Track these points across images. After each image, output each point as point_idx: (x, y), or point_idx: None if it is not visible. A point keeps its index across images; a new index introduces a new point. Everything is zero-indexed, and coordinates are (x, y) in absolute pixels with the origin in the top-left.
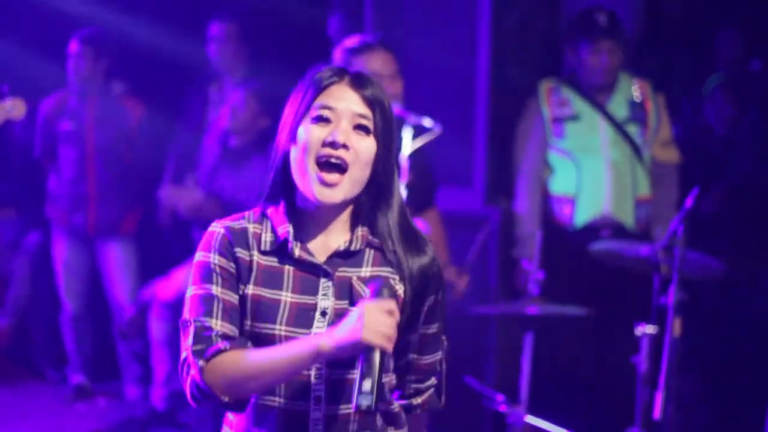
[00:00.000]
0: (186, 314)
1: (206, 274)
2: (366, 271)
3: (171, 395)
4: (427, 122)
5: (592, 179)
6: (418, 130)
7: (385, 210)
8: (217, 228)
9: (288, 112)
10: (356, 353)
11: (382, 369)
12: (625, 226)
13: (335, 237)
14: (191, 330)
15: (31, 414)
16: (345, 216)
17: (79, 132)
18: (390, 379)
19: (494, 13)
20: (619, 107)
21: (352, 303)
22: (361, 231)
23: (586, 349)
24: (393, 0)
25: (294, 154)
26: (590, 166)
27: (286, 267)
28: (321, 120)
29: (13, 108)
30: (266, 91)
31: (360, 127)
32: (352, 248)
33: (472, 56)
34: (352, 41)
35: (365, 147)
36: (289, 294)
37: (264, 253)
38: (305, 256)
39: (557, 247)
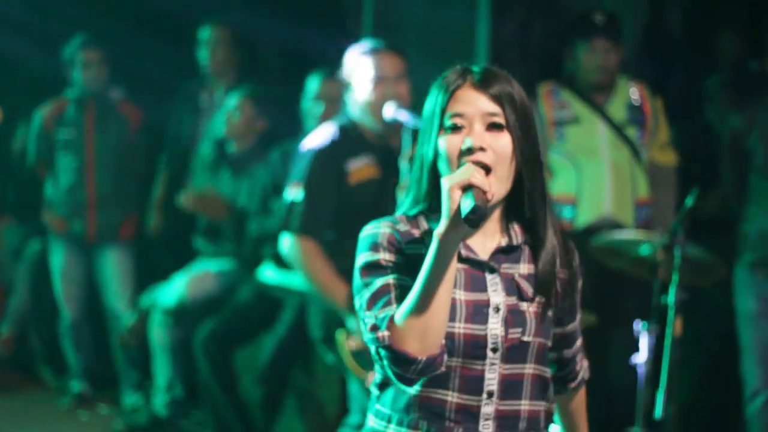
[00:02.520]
0: (363, 313)
1: (376, 271)
2: (524, 267)
3: (172, 402)
4: None
5: (593, 181)
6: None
7: (537, 204)
8: (380, 228)
9: (425, 122)
10: (451, 202)
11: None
12: (625, 228)
13: (491, 237)
14: (370, 321)
15: (32, 422)
16: (497, 215)
17: (78, 140)
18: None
19: (493, 17)
20: (617, 110)
21: (521, 299)
22: (517, 227)
23: (587, 349)
24: (393, 5)
25: (440, 164)
26: (590, 168)
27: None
28: (455, 129)
29: None
30: (261, 93)
31: (493, 126)
32: (514, 243)
33: (472, 59)
34: (361, 45)
35: (502, 144)
36: (462, 292)
37: None
38: (470, 254)
39: None
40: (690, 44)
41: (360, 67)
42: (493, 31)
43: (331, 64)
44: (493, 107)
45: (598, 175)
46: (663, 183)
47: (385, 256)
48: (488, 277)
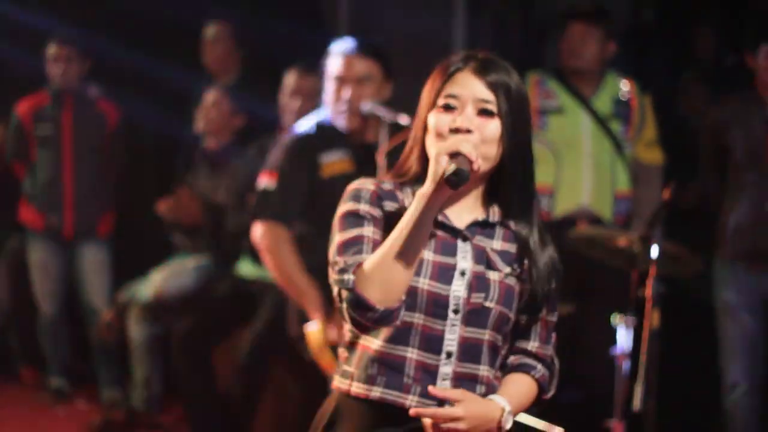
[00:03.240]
0: (334, 256)
1: (354, 220)
2: (497, 244)
3: (150, 397)
4: (403, 120)
5: (571, 172)
6: (395, 128)
7: (520, 192)
8: (366, 184)
9: (423, 100)
10: (437, 167)
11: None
12: (602, 220)
13: (469, 211)
14: (339, 263)
15: (9, 419)
16: (477, 193)
17: (55, 135)
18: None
19: (470, 9)
20: (603, 103)
21: (489, 268)
22: (497, 208)
23: (565, 342)
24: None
25: (427, 139)
26: (570, 158)
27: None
28: (447, 108)
29: None
30: (244, 90)
31: (483, 112)
32: (490, 219)
33: (448, 51)
34: (337, 43)
35: (490, 128)
36: (431, 253)
37: None
38: (446, 220)
39: None
40: (665, 38)
41: (328, 65)
42: (468, 29)
43: (309, 59)
44: (488, 94)
45: (577, 166)
46: (646, 180)
47: (364, 208)
48: (460, 244)
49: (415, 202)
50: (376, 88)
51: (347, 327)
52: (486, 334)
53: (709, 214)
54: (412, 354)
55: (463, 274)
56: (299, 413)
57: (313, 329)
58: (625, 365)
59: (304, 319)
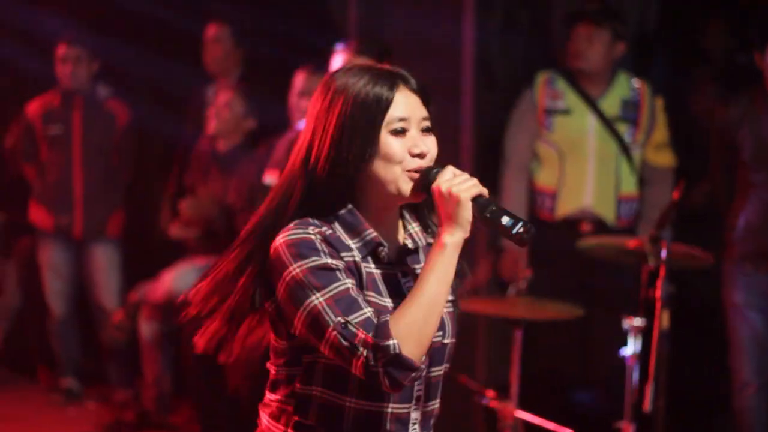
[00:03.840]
0: (333, 317)
1: (328, 274)
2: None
3: (160, 397)
4: None
5: (575, 173)
6: None
7: (430, 206)
8: (309, 233)
9: (358, 121)
10: (469, 216)
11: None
12: (605, 222)
13: (393, 236)
14: (350, 330)
15: (20, 418)
16: (396, 215)
17: (65, 136)
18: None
19: (479, 9)
20: (611, 105)
21: None
22: (416, 227)
23: (575, 343)
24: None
25: (379, 165)
26: (574, 159)
27: (375, 270)
28: (399, 132)
29: None
30: (255, 92)
31: (426, 130)
32: (419, 244)
33: (458, 51)
34: (342, 43)
35: (434, 146)
36: (389, 300)
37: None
38: (393, 259)
39: (540, 241)
40: (674, 37)
41: (334, 64)
42: (477, 28)
43: (317, 59)
44: (425, 111)
45: (581, 167)
46: (656, 183)
47: (330, 260)
48: (402, 280)
49: (445, 253)
50: None
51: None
52: (443, 369)
53: (717, 214)
54: (389, 409)
55: None
56: None
57: None
58: (635, 366)
59: None
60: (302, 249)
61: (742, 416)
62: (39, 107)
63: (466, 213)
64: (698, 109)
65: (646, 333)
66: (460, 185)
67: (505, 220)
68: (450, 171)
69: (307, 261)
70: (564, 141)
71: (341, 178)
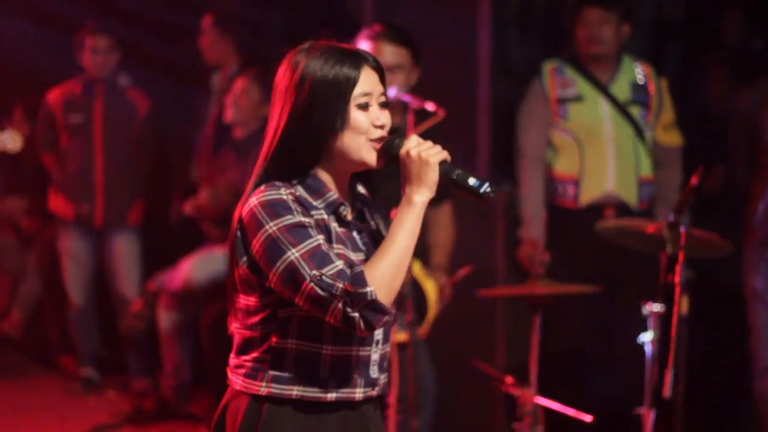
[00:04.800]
0: (309, 270)
1: (301, 231)
2: (372, 221)
3: (179, 386)
4: (429, 106)
5: (596, 159)
6: (421, 115)
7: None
8: (282, 194)
9: (326, 95)
10: (436, 178)
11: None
12: (629, 205)
13: (343, 194)
14: (326, 275)
15: (39, 407)
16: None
17: (86, 124)
18: None
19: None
20: (621, 89)
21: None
22: (361, 189)
23: (595, 330)
24: None
25: (347, 135)
26: (593, 146)
27: (335, 227)
28: (363, 107)
29: (10, 140)
30: (269, 78)
31: (383, 104)
32: (364, 207)
33: (474, 39)
34: (368, 29)
35: (389, 119)
36: (352, 253)
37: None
38: (350, 217)
39: (563, 228)
40: (690, 23)
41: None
42: (494, 10)
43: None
44: (382, 87)
45: (601, 153)
46: (667, 163)
47: (301, 218)
48: (357, 236)
49: (414, 210)
50: (406, 75)
51: (259, 330)
52: (393, 315)
53: (737, 200)
54: (356, 351)
55: None
56: None
57: None
58: (655, 352)
59: None
60: (277, 209)
61: (762, 402)
62: (59, 96)
63: (434, 175)
64: (714, 94)
65: (665, 318)
66: (428, 150)
67: (472, 180)
68: (415, 139)
69: (282, 219)
70: (580, 128)
71: (307, 149)
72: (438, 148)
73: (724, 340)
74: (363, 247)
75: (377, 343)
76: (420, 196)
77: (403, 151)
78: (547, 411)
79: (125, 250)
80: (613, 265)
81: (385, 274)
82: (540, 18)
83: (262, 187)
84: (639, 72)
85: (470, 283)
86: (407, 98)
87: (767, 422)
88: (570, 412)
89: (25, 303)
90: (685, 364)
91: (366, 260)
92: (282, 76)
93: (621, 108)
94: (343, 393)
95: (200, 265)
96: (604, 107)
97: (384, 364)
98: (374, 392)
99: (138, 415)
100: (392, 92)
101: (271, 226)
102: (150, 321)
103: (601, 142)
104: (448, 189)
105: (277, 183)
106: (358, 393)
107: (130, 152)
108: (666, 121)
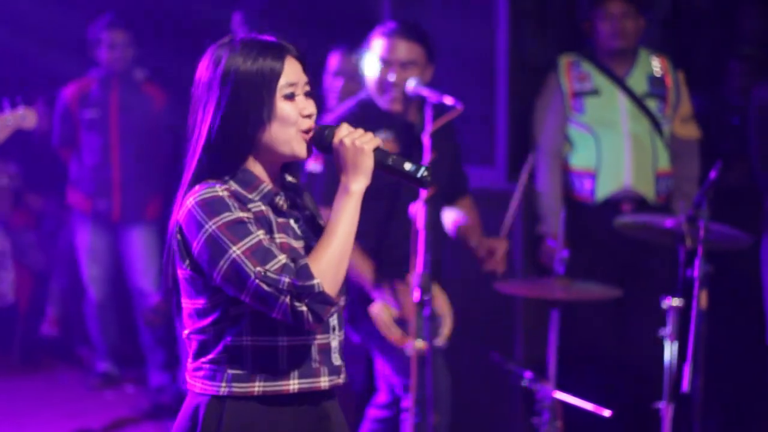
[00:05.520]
0: (252, 267)
1: (241, 227)
2: (305, 207)
3: None
4: (448, 100)
5: (613, 153)
6: (440, 109)
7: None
8: (218, 192)
9: (247, 88)
10: (371, 165)
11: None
12: (646, 200)
13: (275, 185)
14: (270, 271)
15: (58, 402)
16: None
17: (102, 119)
18: None
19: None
20: (638, 82)
21: (316, 234)
22: (289, 178)
23: (613, 324)
24: None
25: (275, 127)
26: (610, 140)
27: (273, 217)
28: (289, 97)
29: (25, 117)
30: None
31: (308, 94)
32: (294, 195)
33: (491, 33)
34: (383, 25)
35: (314, 108)
36: (293, 241)
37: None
38: (285, 207)
39: (580, 223)
40: (714, 17)
41: (373, 47)
42: (511, 4)
43: (353, 39)
44: (306, 77)
45: (618, 147)
46: (685, 156)
47: (241, 214)
48: (294, 225)
49: (352, 199)
50: (420, 71)
51: (207, 330)
52: (342, 299)
53: (755, 193)
54: (314, 340)
55: None
56: (345, 396)
57: (379, 308)
58: (674, 347)
59: (351, 301)
60: (214, 206)
61: None
62: (75, 91)
63: (370, 162)
64: (734, 89)
65: (684, 313)
66: (362, 138)
67: (408, 165)
68: (345, 127)
69: (220, 217)
70: (597, 122)
71: (236, 143)
72: (370, 134)
73: (743, 335)
74: (302, 235)
75: (333, 329)
76: (357, 184)
77: (336, 140)
78: (566, 406)
79: (143, 245)
80: (631, 259)
81: (330, 264)
82: (557, 11)
83: (197, 187)
84: (656, 65)
85: (489, 277)
86: (425, 92)
87: None
88: (588, 406)
89: (58, 299)
90: (704, 359)
91: (306, 248)
92: (203, 71)
93: (638, 101)
94: (307, 383)
95: None
96: (621, 100)
97: (343, 353)
98: (340, 380)
99: (156, 410)
100: (411, 86)
101: (210, 225)
102: (168, 315)
103: (618, 136)
104: (465, 184)
105: (210, 181)
106: (323, 382)
107: (148, 146)
108: (684, 114)
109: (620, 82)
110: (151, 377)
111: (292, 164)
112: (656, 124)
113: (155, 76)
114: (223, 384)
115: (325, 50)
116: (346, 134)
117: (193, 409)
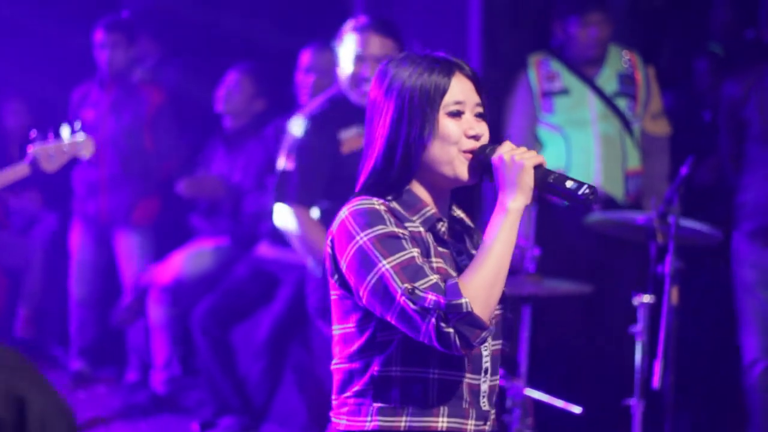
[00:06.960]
0: (400, 283)
1: (395, 242)
2: (471, 245)
3: (171, 379)
4: None
5: (582, 153)
6: None
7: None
8: (374, 204)
9: (414, 103)
10: (531, 183)
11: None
12: (615, 200)
13: (441, 213)
14: (417, 294)
15: None
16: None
17: (96, 120)
18: None
19: None
20: (608, 81)
21: None
22: (461, 212)
23: (584, 321)
24: None
25: (436, 145)
26: (580, 140)
27: (432, 242)
28: (455, 114)
29: (82, 146)
30: (262, 72)
31: (479, 115)
32: (465, 228)
33: (464, 31)
34: (354, 20)
35: (486, 132)
36: (451, 270)
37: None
38: (448, 237)
39: (550, 222)
40: (679, 13)
41: (346, 42)
42: (484, 6)
43: (323, 36)
44: (478, 98)
45: (587, 147)
46: (655, 153)
47: (396, 229)
48: (458, 258)
49: (510, 217)
50: None
51: (361, 362)
52: (500, 344)
53: (726, 190)
54: (467, 379)
55: None
56: (318, 392)
57: None
58: (644, 343)
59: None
60: (368, 218)
61: (751, 393)
62: (79, 92)
63: (529, 179)
64: (704, 84)
65: (655, 309)
66: (522, 154)
67: (570, 183)
68: (508, 144)
69: (373, 229)
70: (567, 122)
71: (399, 162)
72: (533, 152)
73: (714, 332)
74: (463, 269)
75: (486, 371)
76: (515, 203)
77: (495, 156)
78: (537, 402)
79: (132, 247)
80: (602, 256)
81: (482, 284)
82: (529, 11)
83: (354, 199)
84: (626, 61)
85: None
86: None
87: (756, 413)
88: (559, 403)
89: (30, 299)
90: (675, 356)
91: None
92: (374, 90)
93: (608, 101)
94: (455, 422)
95: (192, 260)
96: (591, 100)
97: (493, 399)
98: (486, 427)
99: (129, 409)
100: None
101: (362, 237)
102: (140, 315)
103: (587, 136)
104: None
105: (367, 197)
106: (470, 425)
107: (138, 148)
108: (654, 110)
109: (590, 82)
110: (126, 376)
111: (472, 203)
112: (626, 124)
113: (156, 76)
114: (369, 418)
115: (297, 46)
116: (507, 150)
117: None
